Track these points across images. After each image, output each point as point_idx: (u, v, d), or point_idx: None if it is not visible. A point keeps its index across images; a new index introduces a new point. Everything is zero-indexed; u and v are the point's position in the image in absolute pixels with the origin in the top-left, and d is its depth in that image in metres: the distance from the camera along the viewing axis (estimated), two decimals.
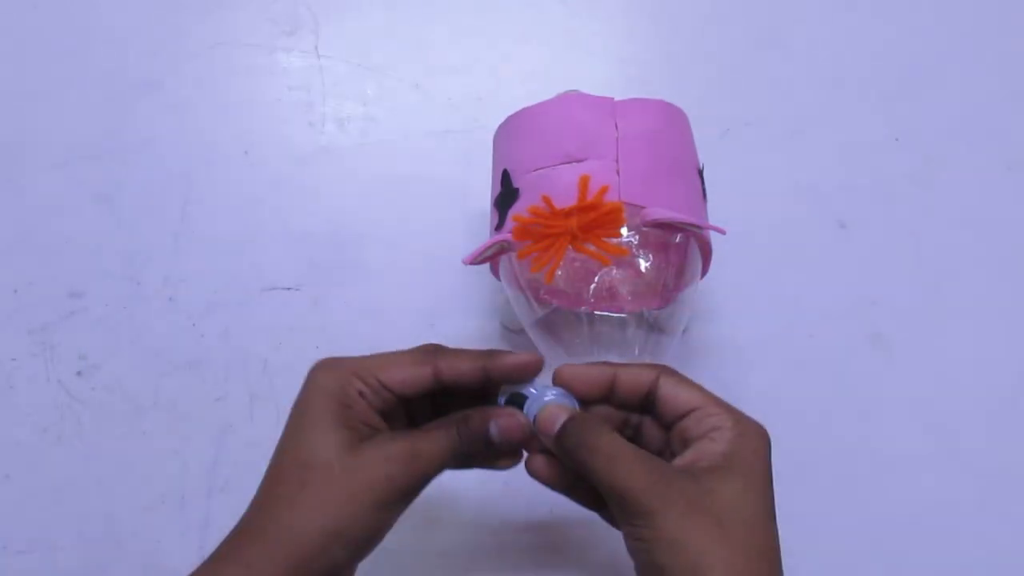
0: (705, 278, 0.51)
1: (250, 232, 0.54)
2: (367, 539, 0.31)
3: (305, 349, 0.50)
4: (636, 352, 0.41)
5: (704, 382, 0.48)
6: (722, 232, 0.40)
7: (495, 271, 0.45)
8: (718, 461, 0.29)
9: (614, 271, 0.40)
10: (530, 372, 0.34)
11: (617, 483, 0.28)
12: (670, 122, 0.43)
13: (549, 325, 0.41)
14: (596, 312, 0.40)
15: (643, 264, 0.40)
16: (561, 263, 0.40)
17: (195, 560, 0.45)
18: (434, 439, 0.32)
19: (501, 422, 0.33)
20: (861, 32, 0.64)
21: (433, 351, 0.34)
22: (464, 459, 0.33)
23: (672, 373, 0.33)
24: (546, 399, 0.34)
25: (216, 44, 0.60)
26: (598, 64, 0.61)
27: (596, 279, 0.40)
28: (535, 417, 0.34)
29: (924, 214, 0.56)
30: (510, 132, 0.44)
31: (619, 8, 0.64)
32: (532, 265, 0.39)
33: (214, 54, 0.60)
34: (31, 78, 0.59)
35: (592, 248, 0.38)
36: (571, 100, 0.42)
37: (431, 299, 0.49)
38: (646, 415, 0.34)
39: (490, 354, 0.33)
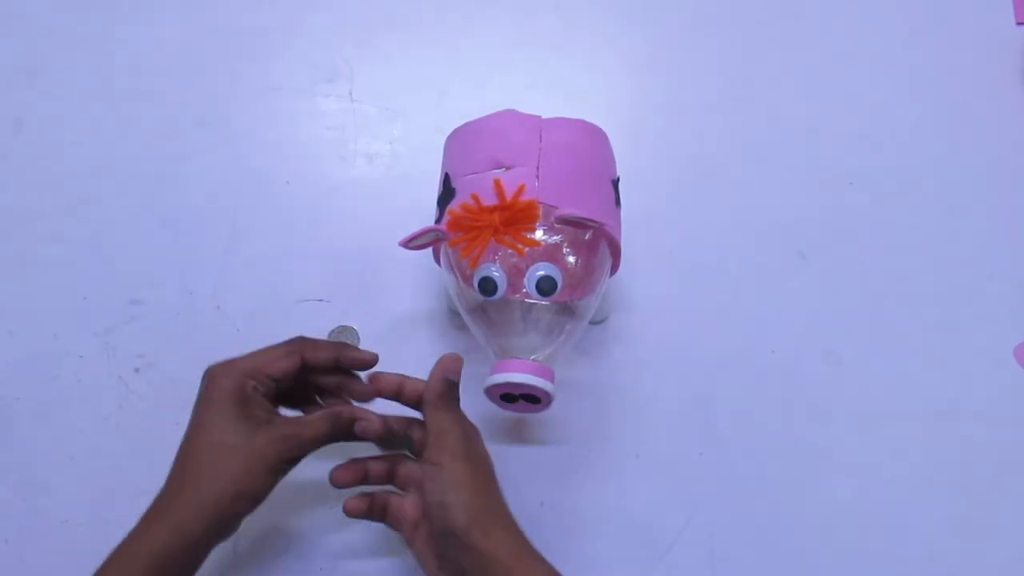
0: (683, 302, 0.56)
1: (288, 251, 0.58)
2: (262, 496, 0.40)
3: None
4: (556, 334, 0.45)
5: (678, 391, 0.53)
6: (615, 237, 0.45)
7: (438, 260, 0.49)
8: (446, 458, 0.42)
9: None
10: (369, 364, 0.45)
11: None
12: (589, 138, 0.48)
13: (483, 310, 0.46)
14: (527, 300, 0.44)
15: (570, 260, 0.44)
16: (499, 259, 0.44)
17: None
18: (313, 426, 0.42)
19: (363, 424, 0.44)
20: (821, 84, 0.65)
21: (300, 343, 0.44)
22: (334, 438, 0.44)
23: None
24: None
25: (265, 89, 0.64)
26: (614, 110, 0.63)
27: (528, 272, 0.44)
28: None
29: (874, 248, 0.59)
30: (455, 141, 0.49)
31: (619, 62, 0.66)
32: (460, 252, 0.44)
33: (263, 97, 0.64)
34: (107, 116, 0.63)
35: (510, 240, 0.43)
36: (506, 116, 0.47)
37: (443, 307, 0.54)
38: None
39: (342, 346, 0.45)
